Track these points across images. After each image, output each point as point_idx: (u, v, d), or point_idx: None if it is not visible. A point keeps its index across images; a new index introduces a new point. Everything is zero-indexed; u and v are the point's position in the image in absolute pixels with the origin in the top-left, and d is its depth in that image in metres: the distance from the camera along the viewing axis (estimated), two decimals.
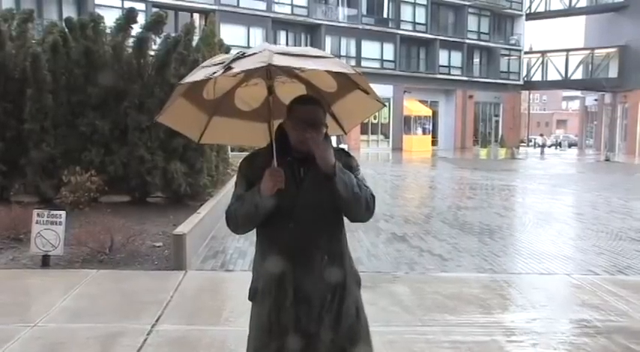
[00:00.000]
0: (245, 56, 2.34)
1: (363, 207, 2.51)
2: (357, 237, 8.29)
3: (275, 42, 38.25)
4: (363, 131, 41.04)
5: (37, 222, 6.74)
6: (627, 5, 38.14)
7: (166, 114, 2.67)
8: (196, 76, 2.43)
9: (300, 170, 2.53)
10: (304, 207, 2.49)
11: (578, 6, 41.80)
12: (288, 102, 2.63)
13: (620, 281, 6.65)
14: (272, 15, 37.88)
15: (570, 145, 54.33)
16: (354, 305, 2.64)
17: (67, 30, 10.94)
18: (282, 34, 39.78)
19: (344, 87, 2.70)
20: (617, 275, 6.97)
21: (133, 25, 11.12)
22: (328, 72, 2.54)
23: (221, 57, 2.53)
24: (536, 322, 5.23)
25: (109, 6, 27.99)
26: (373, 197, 2.56)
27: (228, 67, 2.26)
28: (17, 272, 6.59)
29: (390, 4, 43.64)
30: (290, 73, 2.70)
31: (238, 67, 2.27)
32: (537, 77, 47.37)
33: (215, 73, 2.28)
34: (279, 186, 2.38)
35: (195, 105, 2.69)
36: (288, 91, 2.69)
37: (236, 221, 2.55)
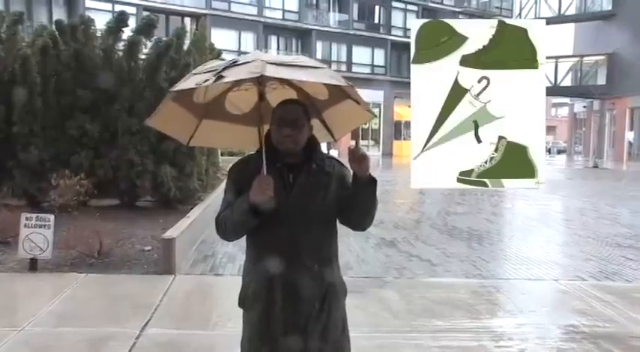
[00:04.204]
0: (237, 64, 2.34)
1: (373, 217, 2.62)
2: (347, 242, 8.30)
3: (266, 47, 38.28)
4: (354, 136, 41.03)
5: (25, 226, 6.70)
6: (615, 14, 38.51)
7: (156, 118, 2.67)
8: (187, 83, 2.43)
9: (289, 176, 2.54)
10: (295, 212, 2.50)
11: (567, 14, 42.12)
12: None
13: (606, 286, 6.70)
14: (263, 20, 37.92)
15: (559, 152, 54.61)
16: (341, 318, 2.65)
17: (57, 32, 10.91)
18: (273, 39, 39.83)
19: (335, 95, 2.72)
20: (603, 281, 7.02)
21: (123, 29, 11.10)
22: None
23: (213, 63, 2.53)
24: (524, 327, 5.26)
25: (99, 9, 27.91)
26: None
27: (219, 76, 2.25)
28: (4, 276, 6.55)
29: (381, 9, 43.84)
30: (282, 79, 2.71)
31: (230, 75, 2.27)
32: None
33: (207, 80, 2.28)
34: (268, 194, 2.37)
35: (186, 108, 2.69)
36: (280, 97, 2.70)
37: (225, 229, 2.55)
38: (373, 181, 2.50)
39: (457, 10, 46.06)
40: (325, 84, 2.61)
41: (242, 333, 2.67)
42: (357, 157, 2.43)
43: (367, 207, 2.57)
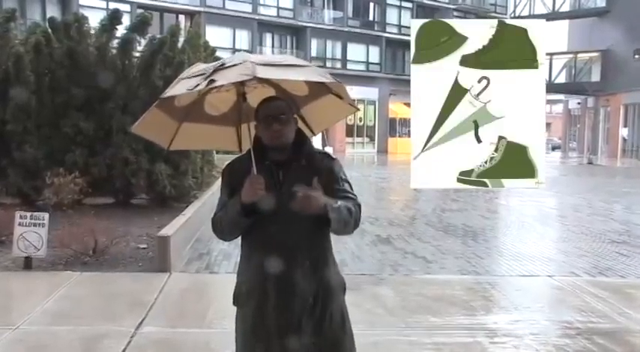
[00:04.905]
0: (226, 67, 2.33)
1: (351, 228, 2.59)
2: (342, 240, 8.28)
3: (261, 44, 38.23)
4: (349, 133, 41.11)
5: (19, 224, 6.68)
6: (608, 10, 38.60)
7: (139, 124, 2.66)
8: (177, 89, 2.43)
9: (279, 174, 2.55)
10: (286, 209, 2.49)
11: (561, 10, 42.17)
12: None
13: (600, 282, 6.72)
14: (257, 17, 37.87)
15: (554, 148, 54.71)
16: (339, 312, 2.64)
17: (50, 30, 10.86)
18: (268, 37, 39.77)
19: (316, 91, 2.73)
20: (597, 276, 7.05)
21: (117, 26, 11.06)
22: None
23: (199, 67, 2.52)
24: (519, 323, 5.28)
25: (93, 7, 27.83)
26: (359, 206, 2.60)
27: (210, 80, 2.25)
28: None
29: (376, 6, 43.85)
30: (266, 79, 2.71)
31: (221, 79, 2.26)
32: None
33: (197, 85, 2.27)
34: (260, 194, 2.39)
35: (167, 113, 2.67)
36: (259, 96, 2.70)
37: (221, 229, 2.59)
38: (328, 220, 2.43)
39: (452, 7, 46.08)
40: (306, 81, 2.62)
41: (235, 331, 2.68)
42: (300, 202, 2.37)
43: (337, 229, 2.53)
